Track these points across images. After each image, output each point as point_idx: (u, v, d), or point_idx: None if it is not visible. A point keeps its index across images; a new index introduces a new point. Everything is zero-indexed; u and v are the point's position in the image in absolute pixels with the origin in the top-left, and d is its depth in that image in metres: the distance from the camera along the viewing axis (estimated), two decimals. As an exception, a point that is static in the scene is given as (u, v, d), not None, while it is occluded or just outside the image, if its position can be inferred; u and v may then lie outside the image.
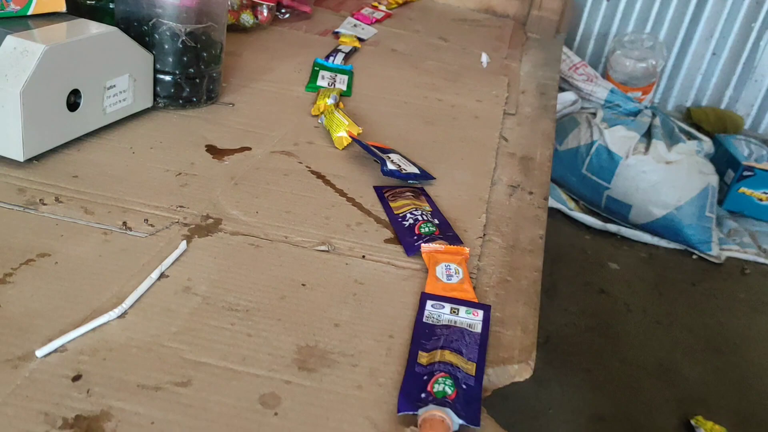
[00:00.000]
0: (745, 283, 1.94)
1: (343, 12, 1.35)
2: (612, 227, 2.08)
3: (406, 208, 0.66)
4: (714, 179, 2.01)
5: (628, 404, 1.42)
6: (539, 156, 0.87)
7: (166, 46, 0.76)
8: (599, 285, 1.83)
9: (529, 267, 0.62)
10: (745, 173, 2.20)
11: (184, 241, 0.56)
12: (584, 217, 2.11)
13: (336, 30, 1.21)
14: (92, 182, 0.63)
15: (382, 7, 1.41)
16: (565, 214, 2.13)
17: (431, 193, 0.71)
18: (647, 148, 2.02)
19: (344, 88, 0.95)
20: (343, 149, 0.78)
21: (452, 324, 0.51)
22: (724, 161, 2.24)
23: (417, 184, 0.73)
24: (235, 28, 1.09)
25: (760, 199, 2.21)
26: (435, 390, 0.43)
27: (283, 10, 1.24)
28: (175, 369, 0.44)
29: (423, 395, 0.43)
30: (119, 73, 0.72)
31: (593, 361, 1.54)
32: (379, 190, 0.70)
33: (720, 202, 2.22)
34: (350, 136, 0.78)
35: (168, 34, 0.76)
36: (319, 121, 0.84)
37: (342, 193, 0.69)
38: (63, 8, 0.71)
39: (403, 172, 0.72)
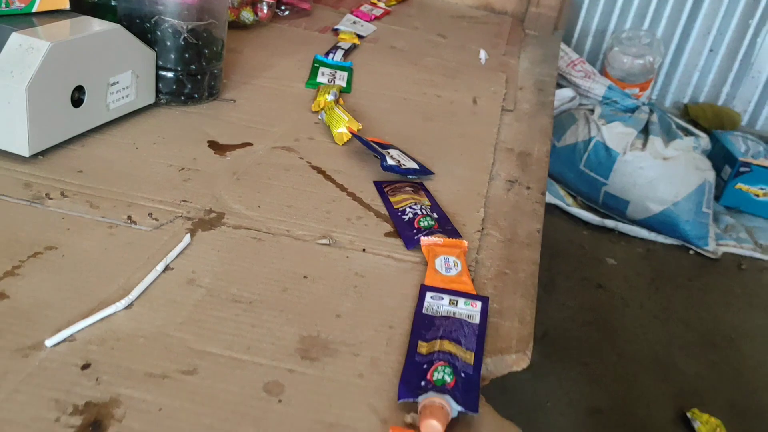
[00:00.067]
0: (741, 279, 1.95)
1: (342, 9, 1.35)
2: (609, 223, 2.09)
3: (406, 202, 0.67)
4: (711, 175, 2.02)
5: (625, 397, 1.44)
6: (537, 151, 0.88)
7: (168, 43, 0.77)
8: (597, 280, 1.84)
9: (526, 260, 0.64)
10: (742, 169, 2.21)
11: (188, 235, 0.57)
12: (582, 212, 2.12)
13: (335, 27, 1.22)
14: (97, 177, 0.64)
15: (381, 4, 1.42)
16: (563, 209, 2.14)
17: (430, 187, 0.72)
18: (644, 145, 2.03)
19: (344, 84, 0.96)
20: (343, 145, 0.79)
21: (451, 315, 0.52)
22: (721, 157, 2.26)
23: (416, 179, 0.74)
24: (236, 25, 1.10)
25: (757, 195, 2.23)
26: (434, 378, 0.44)
27: (282, 7, 1.24)
28: (182, 358, 0.45)
29: (423, 383, 0.44)
30: (122, 70, 0.73)
31: (591, 354, 1.55)
32: (379, 185, 0.71)
33: (717, 198, 2.23)
34: (350, 132, 0.79)
35: (170, 31, 0.77)
36: (320, 117, 0.85)
37: (342, 188, 0.70)
38: (66, 6, 0.72)
39: (403, 167, 0.73)
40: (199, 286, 0.52)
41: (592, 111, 2.16)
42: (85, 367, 0.43)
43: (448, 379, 0.44)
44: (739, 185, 2.23)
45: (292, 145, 0.78)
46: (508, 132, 0.92)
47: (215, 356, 0.45)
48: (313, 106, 0.87)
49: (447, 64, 1.15)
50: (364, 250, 0.60)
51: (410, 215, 0.65)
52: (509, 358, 0.50)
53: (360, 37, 1.20)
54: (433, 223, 0.64)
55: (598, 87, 2.21)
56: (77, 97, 0.68)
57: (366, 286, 0.55)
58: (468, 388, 0.44)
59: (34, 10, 0.69)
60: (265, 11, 1.15)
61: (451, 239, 0.61)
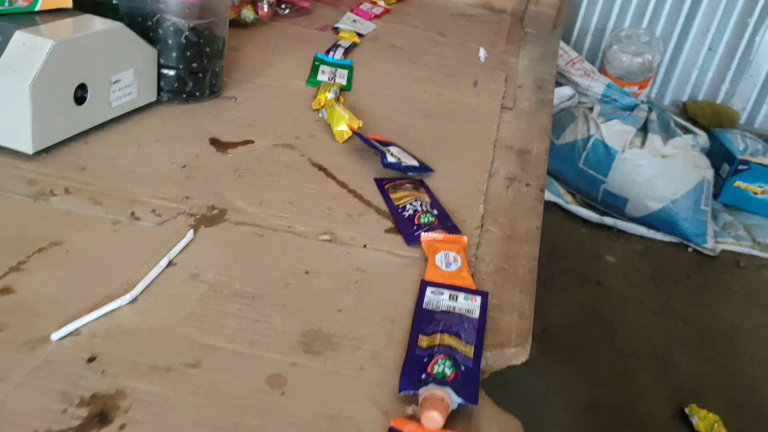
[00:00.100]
0: (739, 276, 1.96)
1: (342, 8, 1.36)
2: (608, 220, 2.10)
3: (406, 199, 0.68)
4: (709, 173, 2.03)
5: (624, 393, 1.45)
6: (536, 149, 0.89)
7: (170, 42, 0.78)
8: (596, 277, 1.85)
9: (525, 256, 0.64)
10: (741, 167, 2.22)
11: (191, 231, 0.58)
12: (581, 210, 2.13)
13: (335, 25, 1.23)
14: (100, 174, 0.65)
15: (381, 3, 1.42)
16: (563, 207, 2.15)
17: (430, 184, 0.73)
18: (643, 143, 2.04)
19: (344, 82, 0.97)
20: (343, 142, 0.80)
21: (451, 310, 0.52)
22: (719, 155, 2.26)
23: (416, 176, 0.75)
24: (236, 24, 1.11)
25: (755, 193, 2.23)
26: (435, 371, 0.45)
27: (283, 6, 1.25)
28: (186, 351, 0.45)
29: (423, 376, 0.45)
30: (124, 68, 0.73)
31: (590, 351, 1.56)
32: (380, 182, 0.72)
33: (715, 196, 2.24)
34: (351, 130, 0.80)
35: (172, 29, 0.77)
36: (320, 114, 0.86)
37: (343, 185, 0.71)
38: (69, 4, 0.73)
39: (403, 164, 0.74)
40: (202, 281, 0.53)
41: (591, 109, 2.16)
42: (91, 360, 0.43)
43: (448, 371, 0.45)
44: (738, 183, 2.24)
45: (293, 142, 0.78)
46: (508, 130, 0.93)
47: (219, 350, 0.46)
48: (314, 104, 0.88)
49: (447, 63, 1.15)
50: (365, 246, 0.61)
51: (410, 212, 0.65)
52: (508, 352, 0.51)
53: (360, 35, 1.20)
54: (433, 219, 0.64)
55: (597, 85, 2.21)
56: (80, 95, 0.68)
57: (367, 282, 0.56)
58: (468, 381, 0.45)
59: (37, 8, 0.69)
60: (266, 10, 1.15)
61: (451, 235, 0.62)
